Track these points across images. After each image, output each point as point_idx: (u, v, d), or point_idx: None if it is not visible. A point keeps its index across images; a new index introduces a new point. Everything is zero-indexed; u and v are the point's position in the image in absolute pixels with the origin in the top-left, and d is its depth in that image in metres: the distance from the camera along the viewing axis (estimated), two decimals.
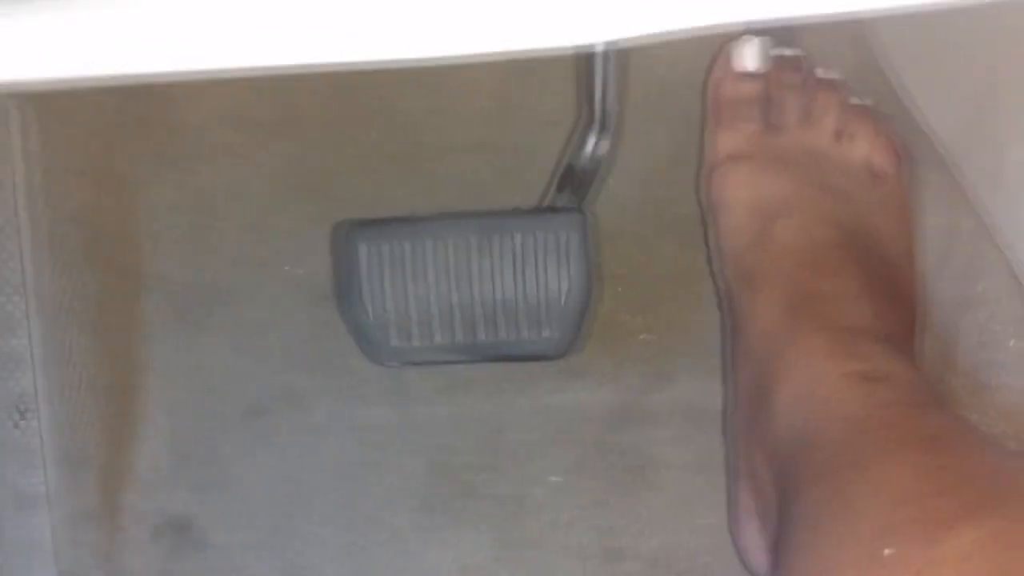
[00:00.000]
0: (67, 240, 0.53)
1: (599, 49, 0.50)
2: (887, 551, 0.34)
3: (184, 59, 0.24)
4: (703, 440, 0.55)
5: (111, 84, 0.24)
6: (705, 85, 0.54)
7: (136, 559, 0.55)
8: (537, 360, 0.54)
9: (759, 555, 0.48)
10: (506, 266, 0.52)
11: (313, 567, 0.55)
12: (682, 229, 0.56)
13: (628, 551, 0.55)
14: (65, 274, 0.52)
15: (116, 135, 0.55)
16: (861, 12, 0.24)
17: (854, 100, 0.53)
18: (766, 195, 0.50)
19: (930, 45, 0.49)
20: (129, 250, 0.56)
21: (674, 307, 0.56)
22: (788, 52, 0.55)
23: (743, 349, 0.49)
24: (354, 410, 0.56)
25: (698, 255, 0.55)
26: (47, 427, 0.51)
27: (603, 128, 0.52)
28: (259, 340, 0.56)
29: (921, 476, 0.36)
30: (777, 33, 0.54)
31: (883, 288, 0.48)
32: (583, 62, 0.53)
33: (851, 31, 0.55)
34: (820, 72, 0.54)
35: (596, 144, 0.53)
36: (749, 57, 0.53)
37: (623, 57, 0.52)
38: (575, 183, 0.53)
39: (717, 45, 0.54)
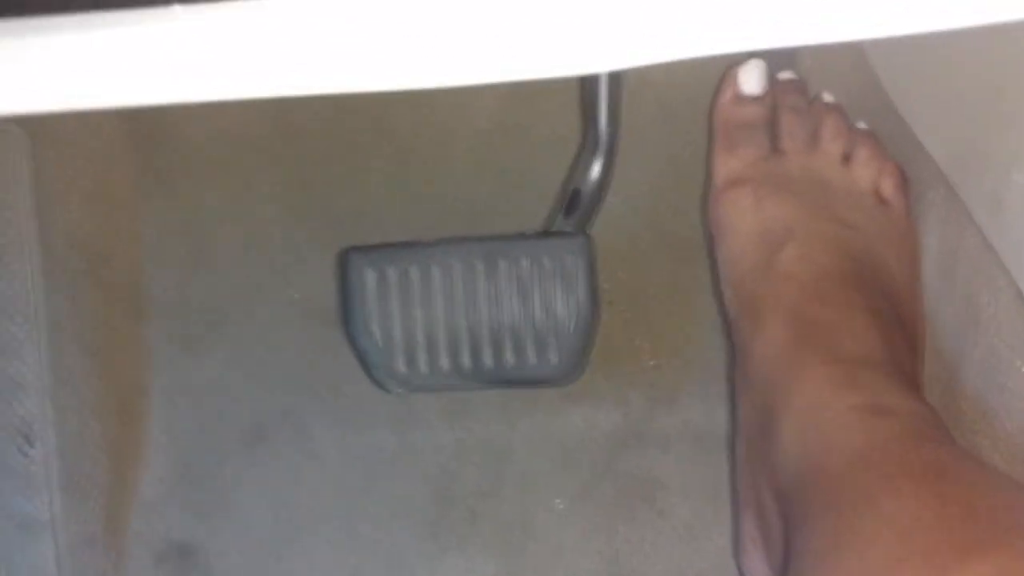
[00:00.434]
0: (71, 264, 0.53)
1: (603, 74, 0.51)
2: None
3: (194, 89, 0.24)
4: (709, 464, 0.55)
5: (114, 109, 0.25)
6: (711, 108, 0.54)
7: None
8: (544, 385, 0.54)
9: None
10: (512, 291, 0.52)
11: None
12: (686, 252, 0.56)
13: None
14: (69, 298, 0.52)
15: (119, 158, 0.56)
16: (861, 37, 0.24)
17: (861, 125, 0.54)
18: (770, 221, 0.50)
19: (931, 66, 0.49)
20: (132, 273, 0.56)
21: (679, 331, 0.56)
22: (793, 76, 0.55)
23: (747, 378, 0.49)
24: (357, 435, 0.55)
25: (702, 278, 0.55)
26: (53, 453, 0.51)
27: (608, 152, 0.53)
28: (262, 364, 0.56)
29: (929, 509, 0.36)
30: (778, 56, 0.55)
31: (888, 317, 0.48)
32: (585, 85, 0.53)
33: (852, 54, 0.55)
34: (826, 97, 0.54)
35: (601, 167, 0.53)
36: (754, 80, 0.53)
37: (624, 79, 0.53)
38: (580, 207, 0.53)
39: (720, 66, 0.54)
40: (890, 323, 0.48)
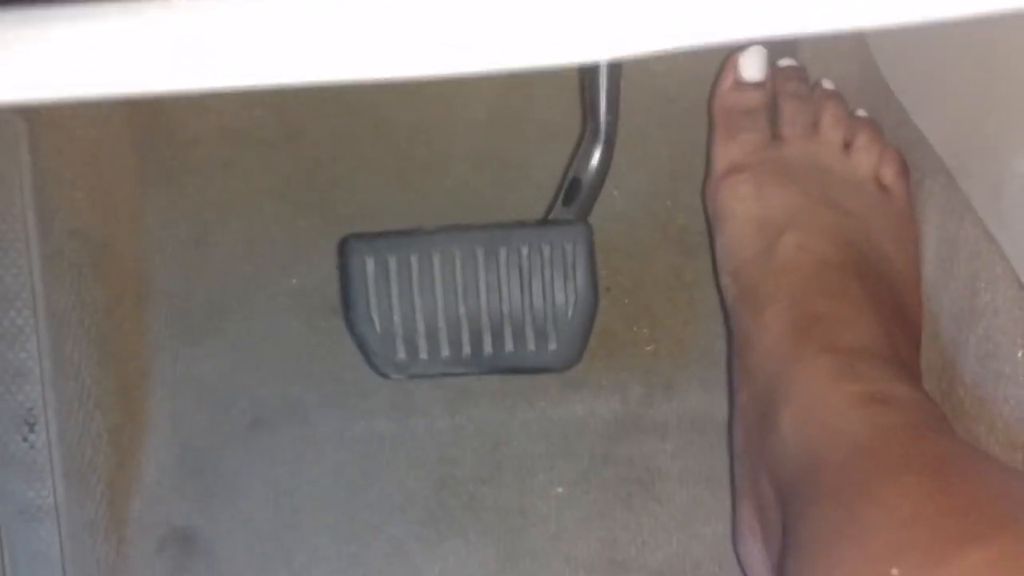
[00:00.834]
0: (74, 254, 0.53)
1: (603, 63, 0.51)
2: (894, 571, 0.34)
3: (193, 77, 0.24)
4: (707, 451, 0.55)
5: (116, 98, 0.25)
6: (711, 95, 0.54)
7: (142, 571, 0.55)
8: (543, 372, 0.54)
9: (763, 573, 0.48)
10: (512, 279, 0.52)
11: None
12: (685, 240, 0.56)
13: (633, 563, 0.55)
14: (72, 287, 0.53)
15: (120, 148, 0.56)
16: (862, 27, 0.24)
17: (861, 112, 0.54)
18: (770, 209, 0.50)
19: (931, 56, 0.49)
20: (134, 263, 0.56)
21: (677, 318, 0.56)
22: (794, 63, 0.55)
23: (746, 367, 0.49)
24: (357, 422, 0.56)
25: (701, 265, 0.55)
26: (55, 440, 0.51)
27: (607, 140, 0.53)
28: (262, 352, 0.56)
29: (928, 498, 0.36)
30: (779, 44, 0.54)
31: (888, 306, 0.48)
32: (585, 75, 0.53)
33: (852, 42, 0.55)
34: (826, 84, 0.54)
35: (600, 156, 0.53)
36: (754, 66, 0.53)
37: (623, 68, 0.53)
38: (580, 196, 0.53)
39: (720, 56, 0.54)
40: (889, 312, 0.48)
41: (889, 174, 0.52)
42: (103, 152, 0.55)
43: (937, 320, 0.51)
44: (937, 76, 0.50)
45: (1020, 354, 0.45)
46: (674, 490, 0.55)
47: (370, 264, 0.52)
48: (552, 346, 0.53)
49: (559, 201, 0.54)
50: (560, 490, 0.55)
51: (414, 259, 0.52)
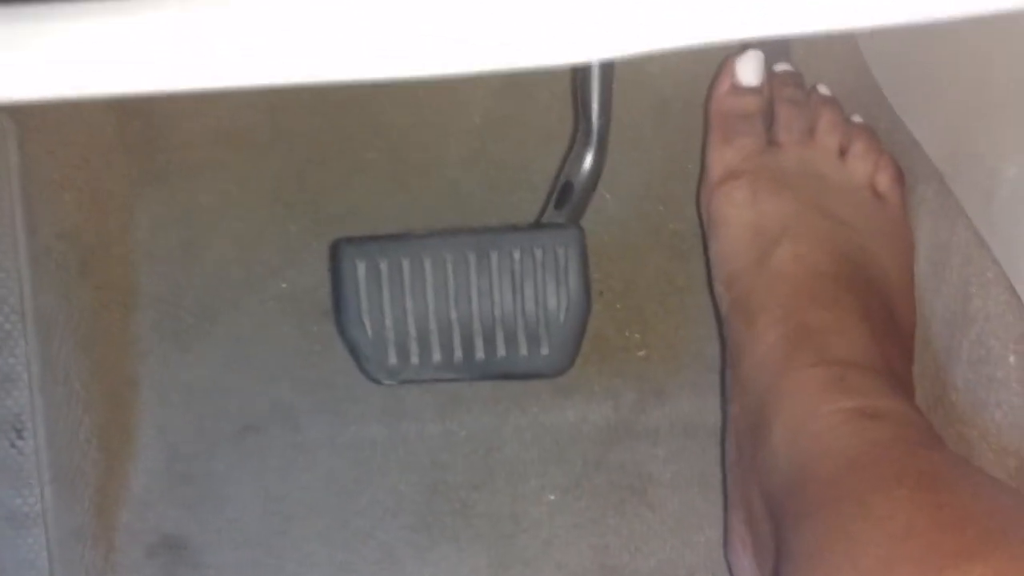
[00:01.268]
0: (62, 257, 0.53)
1: (595, 65, 0.51)
2: None
3: (187, 77, 0.24)
4: (700, 456, 0.55)
5: (106, 99, 0.24)
6: (707, 99, 0.54)
7: None
8: (536, 378, 0.54)
9: None
10: (504, 283, 0.52)
11: None
12: (678, 244, 0.56)
13: (625, 569, 0.55)
14: (60, 291, 0.52)
15: (110, 151, 0.55)
16: (855, 27, 0.24)
17: (856, 118, 0.53)
18: (765, 216, 0.50)
19: (924, 61, 0.49)
20: (122, 267, 0.55)
21: (670, 323, 0.56)
22: (790, 68, 0.55)
23: (738, 378, 0.49)
24: (348, 427, 0.55)
25: (694, 270, 0.55)
26: (43, 446, 0.51)
27: (600, 143, 0.52)
28: (252, 357, 0.56)
29: (921, 513, 0.36)
30: (772, 48, 0.54)
31: (880, 317, 0.48)
32: (577, 76, 0.53)
33: (845, 47, 0.55)
34: (822, 90, 0.54)
35: (593, 159, 0.53)
36: (751, 71, 0.53)
37: (616, 70, 0.53)
38: (572, 199, 0.53)
39: (715, 58, 0.54)
40: (882, 324, 0.48)
41: (885, 181, 0.52)
42: (93, 154, 0.55)
43: (929, 325, 0.51)
44: (930, 81, 0.50)
45: (1012, 359, 0.45)
46: (666, 496, 0.55)
47: (361, 268, 0.52)
48: (544, 351, 0.53)
49: (551, 204, 0.54)
50: (552, 496, 0.55)
51: (405, 263, 0.52)
